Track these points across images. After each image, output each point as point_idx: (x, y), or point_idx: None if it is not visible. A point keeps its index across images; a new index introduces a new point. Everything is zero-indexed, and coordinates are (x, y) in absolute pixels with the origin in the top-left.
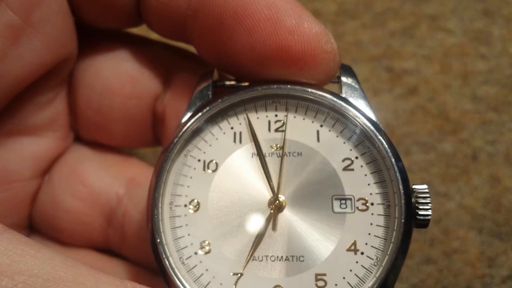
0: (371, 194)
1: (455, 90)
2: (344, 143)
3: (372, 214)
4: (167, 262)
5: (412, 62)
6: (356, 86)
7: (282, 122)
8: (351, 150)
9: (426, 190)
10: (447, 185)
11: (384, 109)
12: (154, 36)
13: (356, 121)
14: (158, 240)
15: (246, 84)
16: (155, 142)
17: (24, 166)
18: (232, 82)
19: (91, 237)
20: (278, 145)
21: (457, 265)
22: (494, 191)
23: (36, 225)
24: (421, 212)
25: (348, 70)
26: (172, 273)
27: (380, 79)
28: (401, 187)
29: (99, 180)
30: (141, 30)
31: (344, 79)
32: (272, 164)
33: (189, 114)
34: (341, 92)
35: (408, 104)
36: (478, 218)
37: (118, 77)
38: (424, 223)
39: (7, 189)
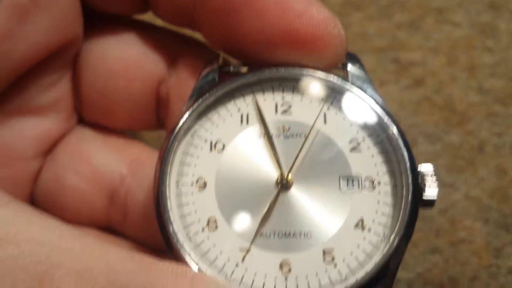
0: (378, 174)
1: (462, 83)
2: (351, 124)
3: (379, 193)
4: (174, 238)
5: (418, 54)
6: (362, 72)
7: (289, 104)
8: (358, 131)
9: (433, 171)
10: (454, 176)
11: (390, 100)
12: (159, 23)
13: (362, 103)
14: (166, 217)
15: (253, 68)
16: (158, 125)
17: (27, 145)
18: (239, 67)
19: (94, 215)
20: (285, 127)
21: (463, 255)
22: (500, 183)
23: (38, 204)
24: (427, 192)
25: (354, 57)
26: (180, 249)
27: (386, 71)
28: (408, 167)
29: (103, 160)
30: (147, 17)
31: (350, 66)
32: (280, 144)
33: (195, 96)
34: (347, 78)
35: (414, 96)
36: (484, 209)
37: (123, 61)
38: (430, 203)
39: (9, 167)
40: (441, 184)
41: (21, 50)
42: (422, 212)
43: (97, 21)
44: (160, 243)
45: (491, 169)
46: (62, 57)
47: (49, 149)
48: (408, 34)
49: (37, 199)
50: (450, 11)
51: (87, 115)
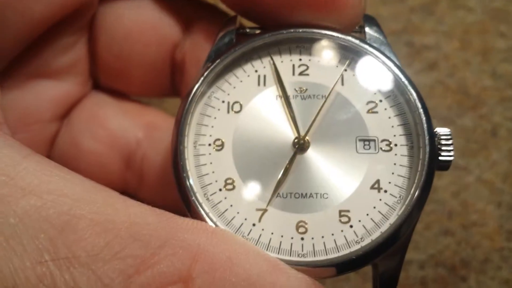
0: (394, 135)
1: (475, 67)
2: (369, 86)
3: (396, 154)
4: (193, 198)
5: (432, 38)
6: (380, 35)
7: (306, 66)
8: (375, 93)
9: (449, 133)
10: (467, 159)
11: None
12: None
13: (380, 65)
14: (184, 176)
15: (270, 29)
16: (172, 92)
17: (44, 108)
18: (256, 29)
19: (110, 179)
20: (303, 88)
21: (475, 237)
22: None
23: None
24: (443, 154)
25: (371, 20)
26: (198, 208)
27: (400, 54)
28: (425, 129)
29: (119, 124)
30: None
31: (367, 28)
32: (297, 106)
33: (212, 58)
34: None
35: (428, 79)
36: (497, 193)
37: (139, 24)
38: (446, 165)
39: (27, 130)
40: (454, 167)
41: (38, 10)
42: (435, 195)
43: None
44: (174, 207)
45: (503, 153)
46: (79, 20)
47: (66, 113)
48: (421, 18)
49: None
50: None
51: (103, 80)
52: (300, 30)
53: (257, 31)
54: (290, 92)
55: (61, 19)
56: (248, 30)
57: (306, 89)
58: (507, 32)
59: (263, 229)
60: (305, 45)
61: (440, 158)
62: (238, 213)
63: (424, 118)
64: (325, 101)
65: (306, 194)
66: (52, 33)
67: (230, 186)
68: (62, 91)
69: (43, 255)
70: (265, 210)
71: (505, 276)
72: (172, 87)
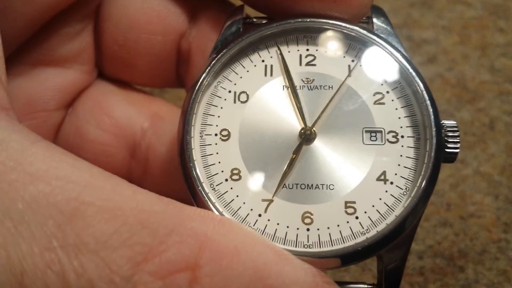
0: (401, 127)
1: (474, 61)
2: (376, 77)
3: (402, 146)
4: (199, 188)
5: (431, 32)
6: (388, 26)
7: (313, 56)
8: (382, 84)
9: (455, 125)
10: (465, 152)
11: None
12: None
13: (388, 56)
14: (191, 166)
15: (277, 19)
16: (177, 83)
17: (50, 96)
18: (262, 19)
19: (115, 169)
20: (309, 78)
21: (473, 229)
22: (510, 160)
23: None
24: (450, 145)
25: (379, 10)
26: (205, 198)
27: None
28: (432, 121)
29: (124, 113)
30: None
31: (375, 18)
32: (303, 96)
33: (219, 47)
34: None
35: (427, 73)
36: (494, 185)
37: (145, 13)
38: (452, 157)
39: (32, 118)
40: None
41: None
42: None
43: None
44: (179, 197)
45: (501, 146)
46: (85, 7)
47: (71, 101)
48: (421, 13)
49: None
50: None
51: (108, 69)
52: (308, 20)
53: (264, 21)
54: (297, 82)
55: (67, 6)
56: (255, 20)
57: (313, 80)
58: (505, 27)
59: (269, 220)
60: (312, 35)
61: (447, 150)
62: (244, 203)
63: (431, 110)
64: (335, 94)
65: (312, 185)
66: (59, 21)
67: (236, 177)
68: (67, 79)
69: (52, 242)
70: (271, 201)
71: (502, 267)
72: (177, 78)
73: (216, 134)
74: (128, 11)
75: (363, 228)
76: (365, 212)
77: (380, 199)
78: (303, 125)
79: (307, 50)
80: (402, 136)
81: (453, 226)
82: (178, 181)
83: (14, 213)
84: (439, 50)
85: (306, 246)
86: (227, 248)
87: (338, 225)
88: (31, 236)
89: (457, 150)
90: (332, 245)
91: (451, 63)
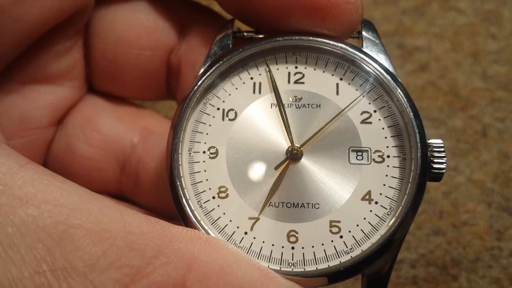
0: (387, 147)
1: (466, 68)
2: (363, 96)
3: (388, 166)
4: (186, 205)
5: (423, 39)
6: (377, 41)
7: (302, 74)
8: (369, 103)
9: (441, 145)
10: (457, 159)
11: None
12: None
13: (376, 75)
14: (178, 184)
15: (267, 35)
16: (168, 96)
17: (42, 114)
18: (252, 34)
19: (105, 184)
20: (297, 97)
21: (466, 237)
22: (503, 167)
23: None
24: (436, 166)
25: (369, 25)
26: (192, 215)
27: (392, 55)
28: (418, 141)
29: (114, 128)
30: None
31: (365, 33)
32: (291, 115)
33: (208, 63)
34: (362, 46)
35: (419, 80)
36: (487, 193)
37: (134, 28)
38: (438, 176)
39: (25, 135)
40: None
41: (34, 14)
42: (426, 195)
43: None
44: (170, 211)
45: (494, 153)
46: (74, 24)
47: (62, 117)
48: (413, 20)
49: (49, 167)
50: None
51: (97, 84)
52: (297, 38)
53: (254, 35)
54: (285, 100)
55: (57, 24)
56: (245, 34)
57: (301, 98)
58: (497, 33)
59: (254, 238)
60: (301, 53)
61: (432, 170)
62: (230, 221)
63: (417, 130)
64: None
65: (297, 203)
66: (48, 38)
67: (223, 194)
68: (58, 96)
69: (41, 265)
70: (257, 219)
71: (495, 275)
72: (167, 91)
73: (204, 152)
74: (117, 27)
75: (347, 247)
76: (349, 232)
77: (365, 218)
78: (289, 144)
79: (296, 67)
80: (388, 156)
81: (446, 235)
82: (169, 195)
83: (4, 237)
84: (431, 57)
85: (290, 265)
86: (213, 269)
87: (322, 244)
88: (21, 260)
89: (443, 170)
90: (316, 264)
91: (443, 71)
